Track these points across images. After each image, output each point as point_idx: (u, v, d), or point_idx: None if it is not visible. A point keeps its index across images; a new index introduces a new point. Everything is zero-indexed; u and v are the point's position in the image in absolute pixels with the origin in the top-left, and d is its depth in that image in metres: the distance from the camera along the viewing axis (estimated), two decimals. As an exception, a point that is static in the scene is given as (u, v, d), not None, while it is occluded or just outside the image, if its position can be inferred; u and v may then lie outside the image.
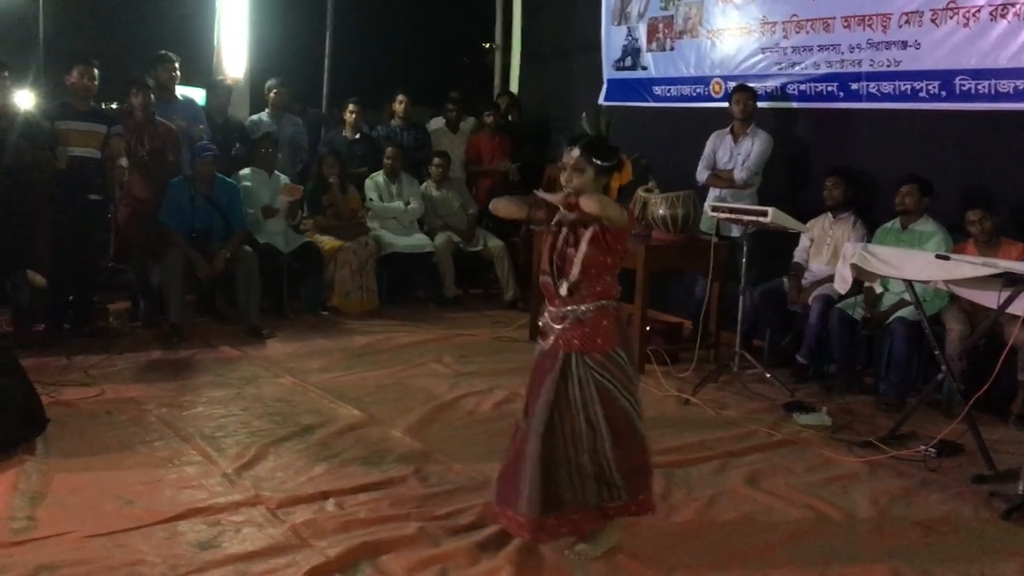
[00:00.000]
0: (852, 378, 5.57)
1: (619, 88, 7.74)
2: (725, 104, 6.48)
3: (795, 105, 6.44)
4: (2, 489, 3.60)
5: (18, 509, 3.44)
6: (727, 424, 4.89)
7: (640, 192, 6.04)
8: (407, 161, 7.81)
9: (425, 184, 7.89)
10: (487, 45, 10.02)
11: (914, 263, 4.49)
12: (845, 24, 6.04)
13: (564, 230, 3.24)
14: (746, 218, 5.50)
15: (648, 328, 5.95)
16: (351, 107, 7.84)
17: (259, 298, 6.50)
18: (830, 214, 5.88)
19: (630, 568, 3.23)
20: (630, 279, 5.58)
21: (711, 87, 6.99)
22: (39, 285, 5.92)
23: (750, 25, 6.67)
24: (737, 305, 5.70)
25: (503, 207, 3.40)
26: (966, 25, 5.42)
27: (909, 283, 4.67)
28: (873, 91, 5.93)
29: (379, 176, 7.63)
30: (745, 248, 5.61)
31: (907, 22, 5.72)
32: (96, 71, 5.93)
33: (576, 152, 3.17)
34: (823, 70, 6.19)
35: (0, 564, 3.03)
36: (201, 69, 8.25)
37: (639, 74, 7.58)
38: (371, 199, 7.56)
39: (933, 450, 4.37)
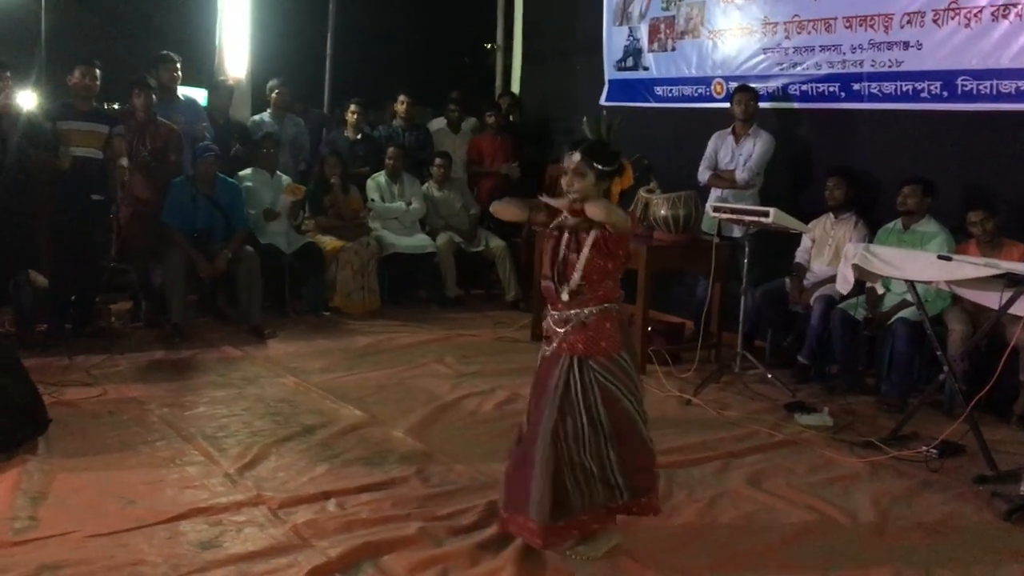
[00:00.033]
0: (854, 379, 5.57)
1: (621, 88, 7.74)
2: (727, 105, 6.48)
3: (797, 105, 6.43)
4: (4, 489, 3.60)
5: (20, 509, 3.45)
6: (728, 424, 4.89)
7: (642, 193, 5.97)
8: (409, 161, 7.82)
9: (427, 184, 7.89)
10: (488, 46, 10.03)
11: (916, 264, 4.49)
12: (847, 24, 6.03)
13: (566, 234, 3.24)
14: (748, 218, 5.50)
15: (650, 329, 5.95)
16: (353, 107, 7.85)
17: (261, 298, 6.50)
18: (832, 214, 5.88)
19: (631, 568, 3.23)
20: (632, 279, 5.58)
21: (713, 87, 6.99)
22: (41, 285, 5.93)
23: (752, 25, 6.66)
24: (739, 305, 5.70)
25: (504, 209, 3.40)
26: (968, 25, 5.42)
27: (911, 284, 4.67)
28: (875, 91, 5.92)
29: (381, 176, 7.63)
30: (747, 248, 5.62)
31: (909, 22, 5.71)
32: (98, 71, 5.94)
33: (577, 156, 3.17)
34: (825, 70, 6.19)
35: (2, 564, 3.03)
36: (203, 69, 8.27)
37: (641, 74, 7.58)
38: (373, 199, 7.56)
39: (935, 451, 4.37)
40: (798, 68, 6.37)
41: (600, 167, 3.17)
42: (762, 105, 6.40)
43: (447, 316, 7.27)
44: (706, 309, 5.94)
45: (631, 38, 7.64)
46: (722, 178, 6.39)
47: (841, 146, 6.18)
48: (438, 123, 8.51)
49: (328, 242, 7.12)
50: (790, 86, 6.43)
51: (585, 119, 3.38)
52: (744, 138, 6.33)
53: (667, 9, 7.32)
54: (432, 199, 7.84)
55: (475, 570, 3.16)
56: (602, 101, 7.77)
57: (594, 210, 3.06)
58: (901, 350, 5.20)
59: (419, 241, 7.59)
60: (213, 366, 5.59)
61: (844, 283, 4.86)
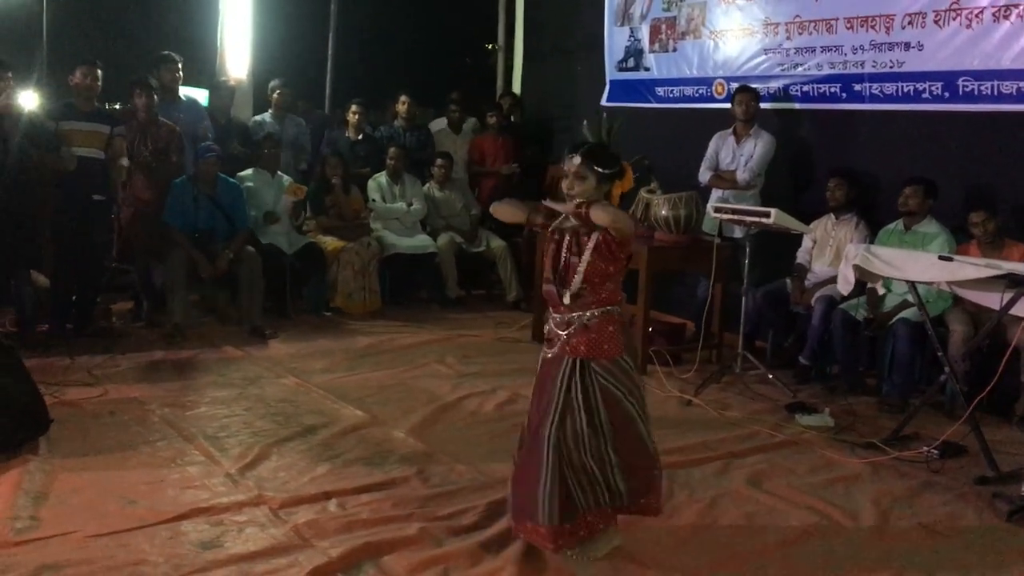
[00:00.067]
0: (855, 379, 5.57)
1: (622, 89, 7.74)
2: (728, 105, 6.47)
3: (798, 106, 6.43)
4: (5, 489, 3.60)
5: (21, 509, 3.45)
6: (729, 425, 4.88)
7: (643, 193, 6.05)
8: (410, 162, 7.82)
9: (428, 185, 7.89)
10: (490, 46, 10.03)
11: (917, 264, 4.49)
12: (848, 25, 6.03)
13: (567, 237, 3.24)
14: (749, 219, 5.51)
15: (651, 329, 5.95)
16: (354, 108, 7.85)
17: (262, 298, 6.51)
18: (833, 215, 5.88)
19: (631, 569, 3.23)
20: (633, 280, 5.58)
21: (714, 88, 6.99)
22: (42, 285, 5.94)
23: (753, 26, 6.66)
24: (739, 306, 5.70)
25: (503, 210, 3.40)
26: (969, 26, 5.42)
27: (912, 284, 4.66)
28: (876, 92, 5.92)
29: (382, 177, 7.63)
30: (748, 249, 5.62)
31: (910, 23, 5.71)
32: (99, 71, 5.94)
33: (577, 160, 3.17)
34: (826, 71, 6.19)
35: (3, 564, 3.03)
36: (204, 70, 8.27)
37: (642, 75, 7.58)
38: (374, 200, 7.56)
39: (936, 451, 4.37)
40: (799, 69, 6.37)
41: (600, 170, 3.17)
42: (763, 106, 6.40)
43: (448, 316, 7.27)
44: (707, 310, 5.95)
45: (632, 38, 7.64)
46: (723, 179, 6.39)
47: (842, 147, 6.18)
48: (439, 123, 8.51)
49: (329, 242, 7.12)
50: (791, 87, 6.43)
51: (585, 122, 3.40)
52: (745, 139, 6.33)
53: (668, 10, 7.32)
54: (433, 199, 7.84)
55: (476, 570, 3.16)
56: (603, 102, 7.77)
57: (599, 215, 3.06)
58: (902, 351, 5.20)
59: (420, 241, 7.59)
60: (214, 366, 5.60)
61: (845, 284, 4.86)
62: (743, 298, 5.69)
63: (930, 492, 4.04)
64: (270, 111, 7.67)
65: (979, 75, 5.37)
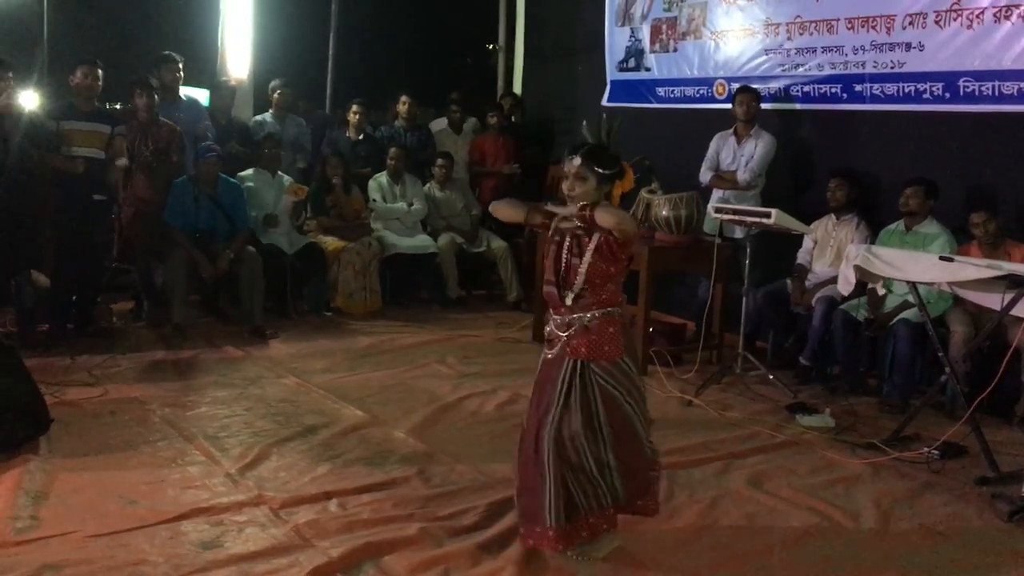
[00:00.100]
0: (855, 380, 5.57)
1: (622, 89, 7.74)
2: (728, 105, 6.47)
3: (799, 107, 6.43)
4: (6, 489, 3.60)
5: (22, 508, 3.45)
6: (730, 425, 4.88)
7: (643, 193, 6.05)
8: (410, 162, 7.82)
9: (428, 185, 7.89)
10: (490, 46, 10.02)
11: (918, 265, 4.48)
12: (849, 26, 6.03)
13: (567, 239, 3.24)
14: (749, 219, 5.50)
15: (651, 329, 5.95)
16: (355, 108, 7.85)
17: (263, 298, 6.51)
18: (833, 215, 5.88)
19: (632, 569, 3.23)
20: (634, 280, 5.58)
21: (714, 88, 6.99)
22: (43, 285, 5.93)
23: (754, 27, 6.66)
24: (740, 307, 5.70)
25: (502, 209, 3.40)
26: (970, 27, 5.42)
27: (912, 285, 4.66)
28: (877, 93, 5.92)
29: (382, 177, 7.63)
30: (748, 249, 5.62)
31: (911, 24, 5.71)
32: (100, 71, 5.94)
33: (577, 160, 3.18)
34: (827, 71, 6.19)
35: (4, 563, 3.03)
36: (205, 70, 8.27)
37: (643, 75, 7.58)
38: (375, 200, 7.56)
39: (936, 452, 4.37)
40: (800, 69, 6.37)
41: (601, 170, 3.17)
42: (764, 106, 6.40)
43: (449, 317, 7.27)
44: (707, 310, 5.95)
45: (633, 39, 7.64)
46: (724, 179, 6.39)
47: (843, 147, 6.18)
48: (440, 123, 8.51)
49: (330, 242, 7.12)
50: (792, 87, 6.43)
51: (585, 123, 3.40)
52: (746, 139, 6.33)
53: (669, 10, 7.32)
54: (434, 199, 7.84)
55: (476, 570, 3.16)
56: (604, 102, 7.77)
57: (605, 217, 3.06)
58: (903, 351, 5.19)
59: (421, 241, 7.59)
60: (215, 366, 5.60)
61: (845, 284, 4.86)
62: (744, 298, 5.69)
63: (931, 493, 4.04)
64: (271, 111, 7.67)
65: (980, 76, 5.36)
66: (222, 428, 4.48)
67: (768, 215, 5.33)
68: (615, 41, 7.81)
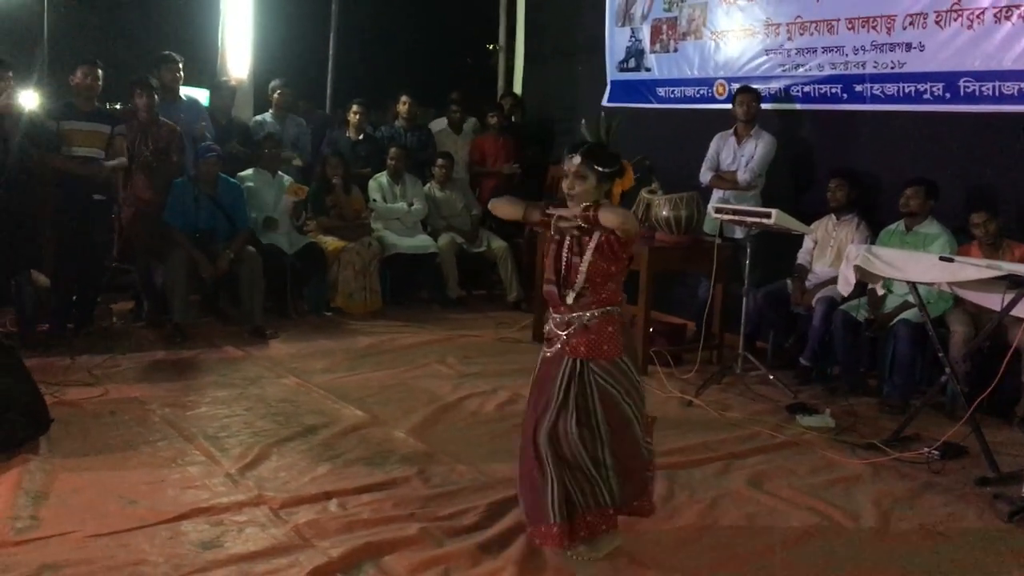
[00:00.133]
0: (855, 380, 5.56)
1: (623, 89, 7.74)
2: (729, 106, 6.47)
3: (799, 107, 6.43)
4: (6, 488, 3.60)
5: (22, 508, 3.45)
6: (730, 426, 4.88)
7: (644, 193, 6.05)
8: (411, 162, 7.82)
9: (428, 185, 7.89)
10: (491, 46, 10.03)
11: (918, 265, 4.48)
12: (849, 26, 6.03)
13: (568, 238, 3.24)
14: (749, 220, 5.50)
15: (651, 329, 5.95)
16: (355, 108, 7.85)
17: (263, 298, 6.51)
18: (834, 216, 5.87)
19: (632, 569, 3.23)
20: (634, 281, 5.58)
21: (715, 89, 6.99)
22: (43, 285, 5.94)
23: (754, 27, 6.66)
24: (740, 307, 5.70)
25: (501, 207, 3.41)
26: (970, 27, 5.42)
27: (913, 285, 4.66)
28: (877, 93, 5.92)
29: (383, 177, 7.63)
30: (748, 250, 5.62)
31: (911, 24, 5.71)
32: (100, 71, 5.94)
33: (577, 159, 3.18)
34: (827, 72, 6.19)
35: (4, 563, 3.03)
36: (205, 70, 8.27)
37: (643, 75, 7.58)
38: (375, 200, 7.56)
39: (937, 452, 4.37)
40: (800, 69, 6.37)
41: (600, 169, 3.17)
42: (764, 106, 6.40)
43: (449, 317, 7.27)
44: (708, 310, 5.95)
45: (633, 39, 7.64)
46: (724, 179, 6.39)
47: (843, 147, 6.17)
48: (440, 123, 8.51)
49: (330, 242, 7.12)
50: (792, 87, 6.43)
51: (584, 121, 3.40)
52: (746, 139, 6.32)
53: (669, 10, 7.32)
54: (434, 199, 7.84)
55: (476, 570, 3.16)
56: (604, 102, 7.77)
57: (609, 217, 3.06)
58: (903, 352, 5.19)
59: (421, 242, 7.59)
60: (215, 366, 5.60)
61: (845, 284, 4.86)
62: (744, 299, 5.69)
63: (931, 493, 4.04)
64: (271, 111, 7.67)
65: (980, 76, 5.36)
66: (222, 428, 4.48)
67: (768, 215, 5.33)
68: (615, 41, 7.81)
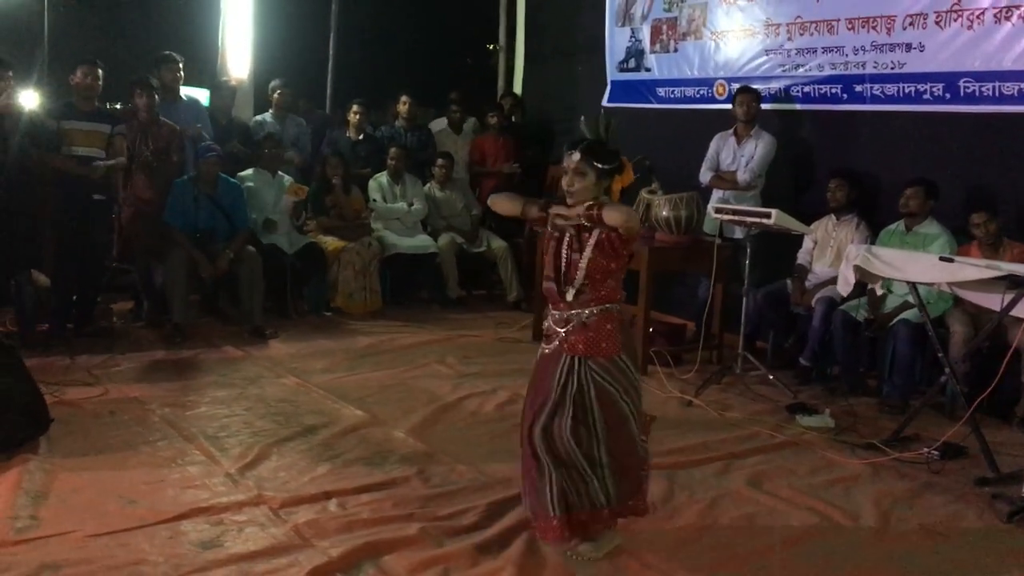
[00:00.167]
0: (855, 380, 5.56)
1: (623, 89, 7.74)
2: (728, 106, 6.47)
3: (799, 107, 6.43)
4: (6, 488, 3.60)
5: (21, 508, 3.45)
6: (730, 426, 4.88)
7: (643, 194, 6.05)
8: (411, 162, 7.82)
9: (428, 185, 7.89)
10: (491, 46, 10.02)
11: (917, 265, 4.49)
12: (849, 26, 6.03)
13: (567, 235, 3.24)
14: (749, 220, 5.50)
15: (651, 329, 5.95)
16: (355, 108, 7.85)
17: (263, 298, 6.51)
18: (834, 216, 5.87)
19: (632, 569, 3.23)
20: (634, 280, 5.58)
21: (715, 89, 6.99)
22: (43, 285, 5.94)
23: (754, 27, 6.66)
24: (740, 307, 5.70)
25: (500, 203, 3.42)
26: (970, 27, 5.42)
27: (912, 285, 4.66)
28: (877, 93, 5.92)
29: (383, 177, 7.63)
30: (748, 250, 5.62)
31: (911, 24, 5.71)
32: (100, 71, 5.94)
33: (577, 156, 3.18)
34: (827, 72, 6.19)
35: (3, 563, 3.03)
36: (205, 70, 8.27)
37: (643, 76, 7.58)
38: (375, 200, 7.56)
39: (936, 452, 4.37)
40: (800, 69, 6.37)
41: (600, 166, 3.17)
42: (764, 106, 6.40)
43: (449, 317, 7.27)
44: (707, 310, 5.95)
45: (633, 39, 7.64)
46: (724, 179, 6.39)
47: (843, 147, 6.18)
48: (440, 123, 8.51)
49: (330, 242, 7.12)
50: (792, 87, 6.43)
51: (583, 118, 3.41)
52: (746, 139, 6.32)
53: (669, 10, 7.32)
54: (434, 199, 7.84)
55: (476, 570, 3.16)
56: (604, 102, 7.76)
57: (613, 216, 3.07)
58: (903, 352, 5.20)
59: (421, 242, 7.59)
60: (215, 366, 5.60)
61: (844, 284, 4.86)
62: (744, 299, 5.69)
63: (930, 493, 4.04)
64: (271, 111, 7.67)
65: (980, 76, 5.36)
66: (222, 428, 4.48)
67: (768, 215, 5.34)
68: (615, 41, 7.81)
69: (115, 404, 4.74)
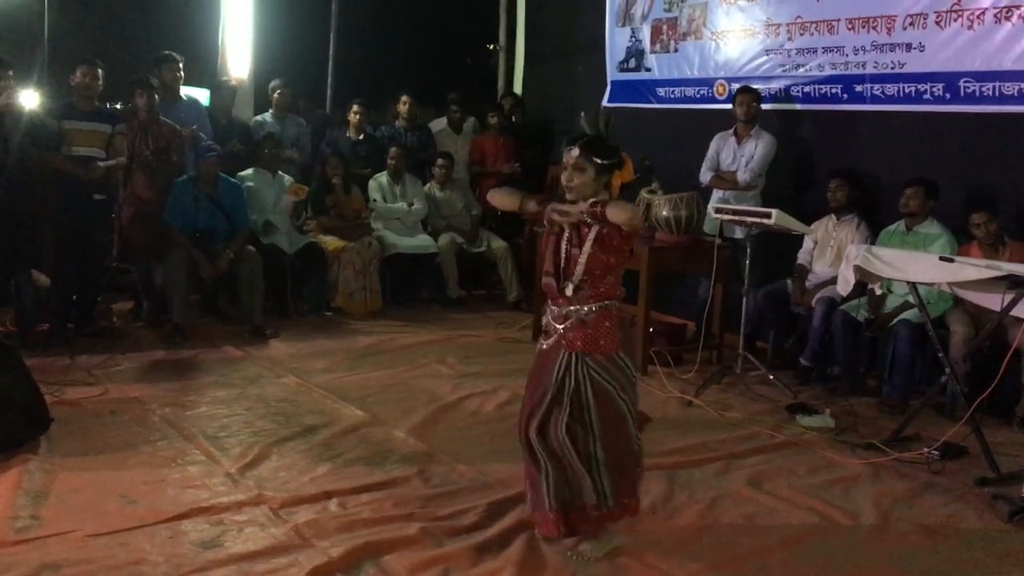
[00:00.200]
0: (855, 380, 5.56)
1: (623, 90, 7.74)
2: (729, 106, 6.47)
3: (799, 107, 6.43)
4: (6, 488, 3.60)
5: (22, 508, 3.45)
6: (730, 426, 4.88)
7: (644, 193, 6.05)
8: (411, 162, 7.82)
9: (429, 185, 7.89)
10: (491, 46, 10.02)
11: (918, 265, 4.48)
12: (849, 26, 6.03)
13: (567, 230, 3.25)
14: (750, 220, 5.50)
15: (651, 329, 5.95)
16: (355, 108, 7.85)
17: (263, 298, 6.51)
18: (834, 216, 5.87)
19: (632, 568, 3.23)
20: (634, 280, 5.58)
21: (715, 89, 6.99)
22: (43, 285, 5.94)
23: (754, 27, 6.66)
24: (740, 307, 5.70)
25: (499, 197, 3.43)
26: (970, 27, 5.42)
27: (913, 285, 4.66)
28: (877, 93, 5.92)
29: (383, 177, 7.63)
30: (748, 250, 5.62)
31: (911, 24, 5.71)
32: (100, 71, 5.94)
33: (576, 151, 3.18)
34: (827, 72, 6.19)
35: (4, 562, 3.03)
36: (205, 70, 8.26)
37: (643, 76, 7.58)
38: (375, 200, 7.56)
39: (936, 452, 4.36)
40: (800, 70, 6.37)
41: (599, 161, 3.17)
42: (764, 106, 6.40)
43: (449, 316, 7.27)
44: (708, 310, 5.95)
45: (633, 39, 7.64)
46: (724, 179, 6.39)
47: (843, 147, 6.18)
48: (439, 123, 8.51)
49: (330, 242, 7.12)
50: (792, 87, 6.43)
51: (582, 114, 3.42)
52: (746, 139, 6.33)
53: (669, 10, 7.32)
54: (434, 199, 7.84)
55: (476, 570, 3.16)
56: (604, 102, 7.75)
57: (617, 214, 3.06)
58: (903, 352, 5.19)
59: (421, 241, 7.59)
60: (215, 366, 5.60)
61: (844, 285, 4.86)
62: (744, 299, 5.69)
63: (930, 493, 4.04)
64: (271, 111, 7.67)
65: (980, 76, 5.36)
66: (222, 428, 4.48)
67: (768, 215, 5.33)
68: (615, 41, 7.81)
69: (115, 404, 4.74)
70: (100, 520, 3.37)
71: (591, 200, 3.13)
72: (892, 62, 5.82)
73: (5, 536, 3.22)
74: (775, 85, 6.53)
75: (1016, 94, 5.20)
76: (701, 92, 7.11)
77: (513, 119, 8.60)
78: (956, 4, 5.48)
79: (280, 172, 7.09)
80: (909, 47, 5.73)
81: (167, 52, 6.86)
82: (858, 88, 6.01)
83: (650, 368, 5.70)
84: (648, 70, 7.54)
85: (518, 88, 9.28)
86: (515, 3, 9.36)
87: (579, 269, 3.19)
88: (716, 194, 6.45)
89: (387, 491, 3.78)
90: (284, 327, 6.54)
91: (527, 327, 6.74)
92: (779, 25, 6.48)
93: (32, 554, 3.10)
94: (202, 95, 7.59)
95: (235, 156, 7.10)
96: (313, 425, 4.56)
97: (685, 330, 6.45)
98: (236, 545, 3.25)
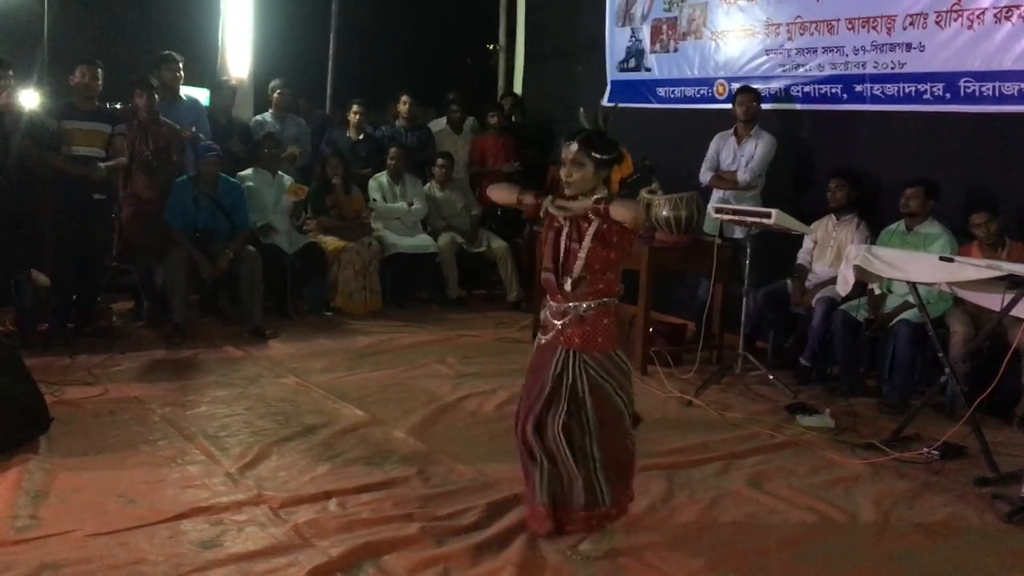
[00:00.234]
0: (855, 380, 5.56)
1: (623, 89, 7.74)
2: (729, 106, 6.47)
3: (799, 107, 6.43)
4: (6, 488, 3.60)
5: (21, 508, 3.45)
6: (730, 426, 4.88)
7: (644, 193, 6.04)
8: (411, 162, 7.82)
9: (428, 185, 7.89)
10: (491, 46, 10.02)
11: (918, 265, 4.48)
12: (849, 26, 6.03)
13: (567, 225, 3.25)
14: (749, 220, 5.50)
15: (651, 329, 5.95)
16: (355, 108, 7.86)
17: (263, 298, 6.51)
18: (834, 216, 5.87)
19: (632, 568, 3.23)
20: (634, 280, 5.58)
21: (715, 89, 6.99)
22: (43, 285, 5.94)
23: (754, 27, 6.66)
24: (740, 307, 5.70)
25: (497, 192, 3.45)
26: (970, 27, 5.42)
27: (913, 285, 4.66)
28: (877, 93, 5.92)
29: (383, 177, 7.64)
30: (748, 250, 5.62)
31: (911, 24, 5.71)
32: (100, 71, 5.95)
33: (575, 146, 3.18)
34: (827, 72, 6.19)
35: (3, 562, 3.03)
36: (205, 69, 8.26)
37: (643, 75, 7.58)
38: (375, 200, 7.56)
39: (936, 452, 4.37)
40: (800, 69, 6.37)
41: (598, 156, 3.17)
42: (764, 106, 6.40)
43: (448, 317, 7.27)
44: (707, 310, 5.95)
45: (633, 39, 7.64)
46: (724, 179, 6.39)
47: (843, 147, 6.18)
48: (439, 123, 8.51)
49: (330, 242, 7.12)
50: (792, 87, 6.43)
51: (582, 110, 3.42)
52: (746, 139, 6.33)
53: (669, 10, 7.32)
54: (434, 199, 7.84)
55: (475, 570, 3.16)
56: (604, 102, 7.76)
57: (621, 212, 3.06)
58: (903, 352, 5.19)
59: (421, 241, 7.60)
60: (214, 366, 5.60)
61: (844, 285, 4.86)
62: (744, 299, 5.69)
63: (930, 493, 4.03)
64: (271, 111, 7.67)
65: (980, 76, 5.36)
66: (222, 428, 4.48)
67: (768, 215, 5.33)
68: (615, 41, 7.81)
69: (115, 404, 4.74)
70: (100, 520, 3.37)
71: (595, 197, 3.13)
72: (892, 62, 5.82)
73: (5, 536, 3.21)
74: (775, 85, 6.53)
75: (1016, 94, 5.20)
76: (701, 92, 7.11)
77: (513, 119, 8.60)
78: (956, 4, 5.48)
79: (280, 172, 7.10)
80: (909, 47, 5.73)
81: (167, 52, 6.87)
82: (858, 88, 6.01)
83: (650, 368, 5.71)
84: (648, 70, 7.54)
85: (518, 88, 9.28)
86: (515, 3, 9.36)
87: (578, 264, 3.18)
88: (716, 194, 6.46)
89: (387, 491, 3.78)
90: (284, 327, 6.54)
91: (527, 327, 6.74)
92: (779, 25, 6.48)
93: (32, 554, 3.10)
94: (202, 95, 7.59)
95: (235, 156, 7.09)
96: (313, 425, 4.56)
97: (685, 330, 6.44)
98: (236, 545, 3.25)
